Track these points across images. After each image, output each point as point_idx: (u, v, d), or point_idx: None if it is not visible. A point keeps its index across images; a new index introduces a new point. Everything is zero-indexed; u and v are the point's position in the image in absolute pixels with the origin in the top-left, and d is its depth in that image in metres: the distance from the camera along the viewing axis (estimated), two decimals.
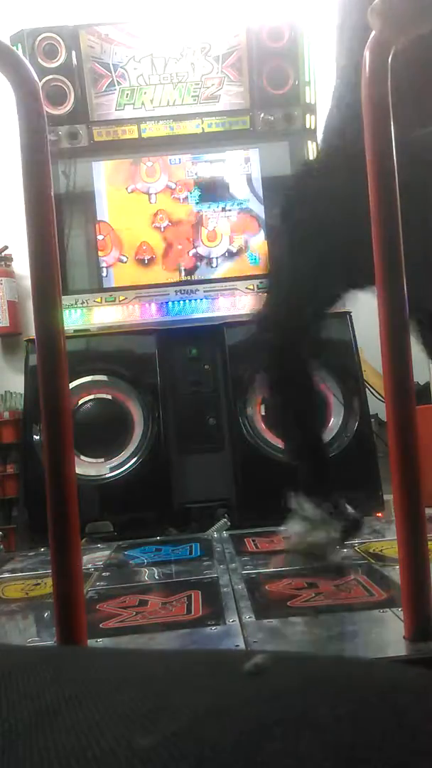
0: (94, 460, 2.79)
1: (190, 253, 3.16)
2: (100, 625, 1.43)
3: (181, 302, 3.08)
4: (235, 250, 3.18)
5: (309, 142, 3.14)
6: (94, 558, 2.18)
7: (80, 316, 3.07)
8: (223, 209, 3.17)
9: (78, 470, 1.48)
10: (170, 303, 3.08)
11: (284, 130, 3.14)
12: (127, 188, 3.17)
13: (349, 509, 1.89)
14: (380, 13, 1.14)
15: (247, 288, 3.10)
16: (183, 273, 3.14)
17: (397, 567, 1.22)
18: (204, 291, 3.09)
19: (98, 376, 2.89)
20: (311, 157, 1.91)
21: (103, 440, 2.81)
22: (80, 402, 2.83)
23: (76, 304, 3.07)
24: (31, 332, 1.49)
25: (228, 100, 3.13)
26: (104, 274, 3.16)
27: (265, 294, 1.99)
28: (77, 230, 3.18)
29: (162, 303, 3.09)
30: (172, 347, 2.97)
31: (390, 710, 0.30)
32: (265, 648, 1.25)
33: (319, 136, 3.14)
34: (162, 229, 3.16)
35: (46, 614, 1.56)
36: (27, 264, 1.19)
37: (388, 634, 1.28)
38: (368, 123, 1.19)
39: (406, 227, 1.17)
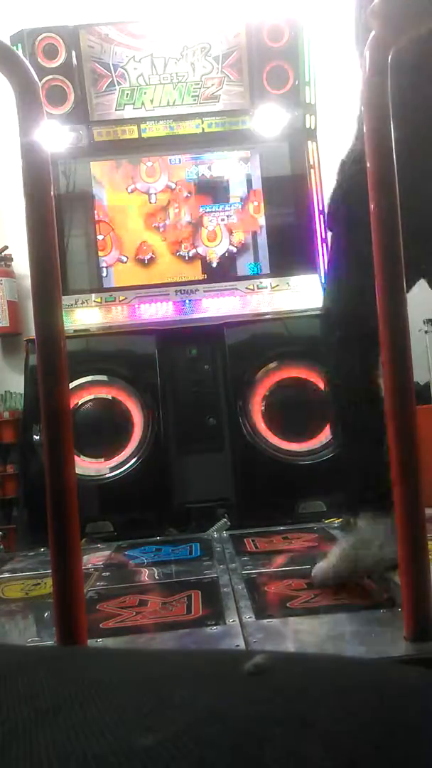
0: (94, 460, 2.78)
1: (191, 253, 3.16)
2: (100, 625, 1.43)
3: (181, 302, 3.08)
4: (235, 250, 3.18)
5: (309, 142, 3.14)
6: (94, 558, 2.18)
7: (80, 317, 3.07)
8: (223, 209, 3.17)
9: (78, 470, 1.48)
10: (170, 303, 3.08)
11: (284, 130, 3.14)
12: (127, 188, 3.17)
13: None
14: (379, 14, 1.14)
15: (247, 288, 3.10)
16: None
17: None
18: (204, 291, 3.09)
19: (98, 376, 2.89)
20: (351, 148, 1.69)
21: (103, 440, 2.81)
22: (80, 402, 2.83)
23: (76, 304, 3.07)
24: (31, 332, 1.49)
25: (228, 100, 3.13)
26: (104, 274, 3.16)
27: (328, 292, 1.75)
28: (77, 230, 3.18)
29: (162, 303, 3.09)
30: (172, 347, 2.97)
31: (390, 710, 0.30)
32: (265, 648, 1.25)
33: (320, 135, 3.15)
34: (162, 229, 3.16)
35: (46, 614, 1.56)
36: (27, 264, 1.19)
37: (388, 634, 1.28)
38: (368, 123, 1.19)
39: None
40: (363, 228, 1.55)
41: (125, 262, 3.16)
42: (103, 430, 2.82)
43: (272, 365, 2.86)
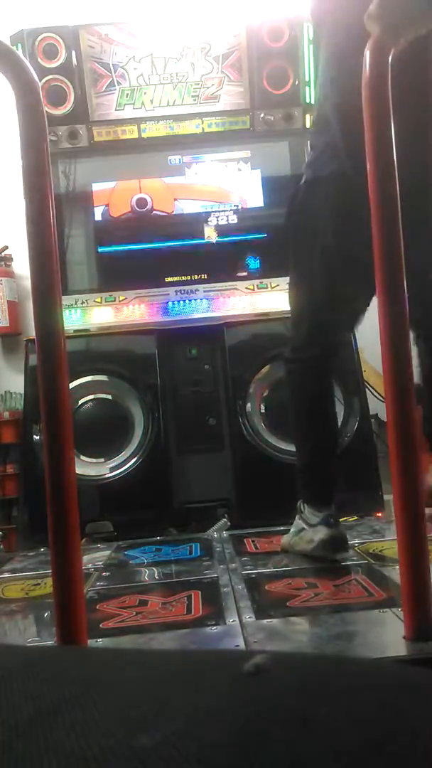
0: (94, 460, 2.78)
1: (191, 253, 3.16)
2: (100, 625, 1.43)
3: (181, 302, 3.08)
4: (235, 251, 3.17)
5: (309, 142, 3.14)
6: (94, 558, 2.18)
7: (80, 316, 3.07)
8: (224, 209, 3.17)
9: (78, 470, 1.48)
10: (170, 303, 3.08)
11: (284, 130, 3.14)
12: (126, 188, 3.17)
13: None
14: (377, 17, 1.15)
15: (247, 288, 3.10)
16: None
17: (397, 567, 1.22)
18: (204, 291, 3.09)
19: (98, 376, 2.89)
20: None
21: (103, 440, 2.81)
22: (80, 402, 2.83)
23: (76, 304, 3.07)
24: (31, 332, 1.50)
25: (228, 100, 3.13)
26: (104, 273, 3.16)
27: (291, 322, 2.00)
28: (77, 230, 3.18)
29: (162, 303, 3.08)
30: (172, 347, 2.97)
31: (390, 710, 0.30)
32: (265, 648, 1.25)
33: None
34: (162, 228, 3.16)
35: (46, 614, 1.56)
36: (27, 264, 1.19)
37: (388, 634, 1.28)
38: (368, 125, 1.19)
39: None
40: (311, 253, 1.75)
41: (125, 262, 3.15)
42: (103, 430, 2.82)
43: (272, 365, 2.86)
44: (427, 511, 1.19)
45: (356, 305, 1.83)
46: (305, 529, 1.88)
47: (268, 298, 3.08)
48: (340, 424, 2.78)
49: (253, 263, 3.15)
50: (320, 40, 1.80)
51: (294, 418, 2.03)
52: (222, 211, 3.16)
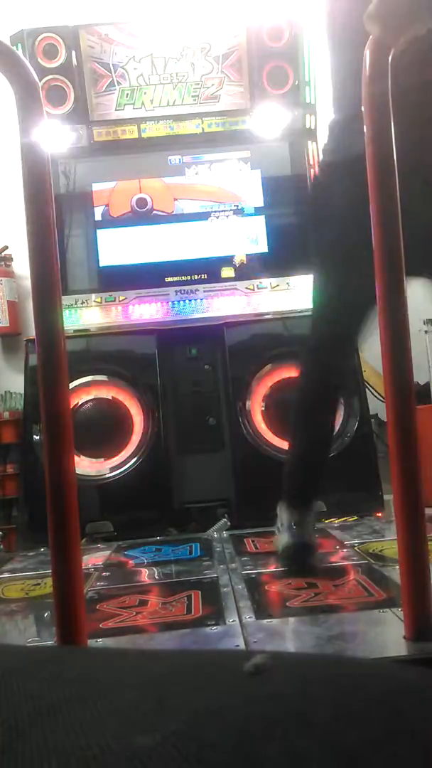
0: (94, 460, 2.78)
1: (191, 253, 3.15)
2: (100, 625, 1.43)
3: (181, 302, 3.08)
4: (235, 251, 3.17)
5: (309, 142, 3.14)
6: (94, 558, 2.19)
7: (80, 316, 3.07)
8: (224, 209, 3.17)
9: (78, 470, 1.48)
10: (170, 303, 3.08)
11: (284, 130, 3.14)
12: (126, 188, 3.17)
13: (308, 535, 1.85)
14: (376, 17, 1.14)
15: (247, 288, 3.10)
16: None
17: (397, 567, 1.22)
18: (204, 291, 3.09)
19: (98, 376, 2.89)
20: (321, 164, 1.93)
21: (103, 440, 2.81)
22: (80, 402, 2.83)
23: (76, 304, 3.07)
24: (31, 332, 1.50)
25: (228, 100, 3.13)
26: (104, 274, 3.16)
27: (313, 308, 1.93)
28: (77, 230, 3.18)
29: (162, 303, 3.08)
30: (172, 347, 2.97)
31: (390, 710, 0.30)
32: (265, 648, 1.25)
33: (320, 136, 3.16)
34: (162, 229, 3.16)
35: (46, 614, 1.56)
36: (27, 264, 1.19)
37: (388, 634, 1.28)
38: (369, 124, 1.19)
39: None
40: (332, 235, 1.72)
41: (126, 261, 3.15)
42: (103, 430, 2.82)
43: (272, 365, 2.86)
44: (428, 511, 1.19)
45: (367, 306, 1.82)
46: (278, 531, 1.87)
47: (268, 298, 3.08)
48: (340, 424, 2.79)
49: (253, 262, 3.15)
50: (338, 42, 1.81)
51: (294, 413, 2.00)
52: (222, 211, 3.16)
